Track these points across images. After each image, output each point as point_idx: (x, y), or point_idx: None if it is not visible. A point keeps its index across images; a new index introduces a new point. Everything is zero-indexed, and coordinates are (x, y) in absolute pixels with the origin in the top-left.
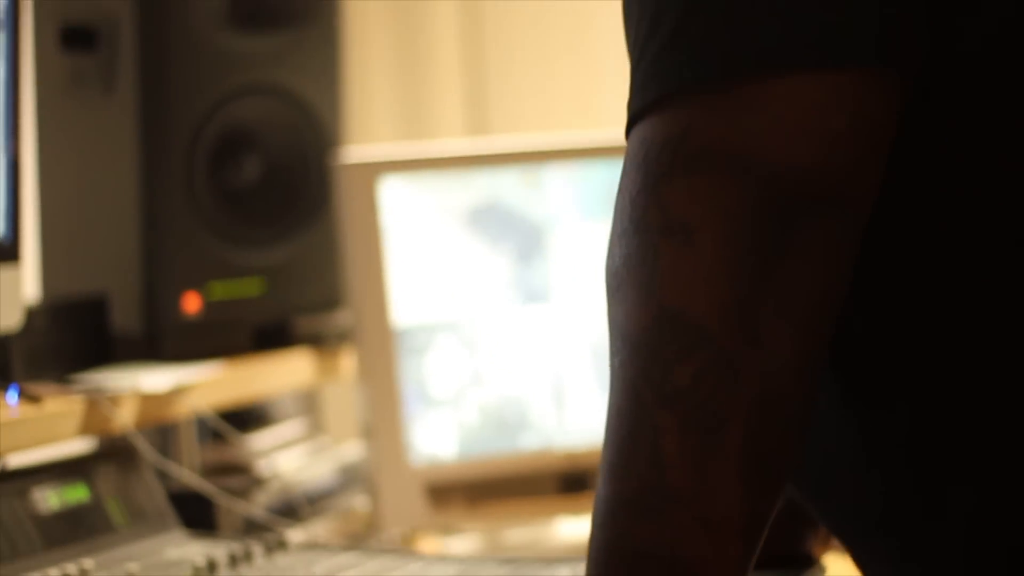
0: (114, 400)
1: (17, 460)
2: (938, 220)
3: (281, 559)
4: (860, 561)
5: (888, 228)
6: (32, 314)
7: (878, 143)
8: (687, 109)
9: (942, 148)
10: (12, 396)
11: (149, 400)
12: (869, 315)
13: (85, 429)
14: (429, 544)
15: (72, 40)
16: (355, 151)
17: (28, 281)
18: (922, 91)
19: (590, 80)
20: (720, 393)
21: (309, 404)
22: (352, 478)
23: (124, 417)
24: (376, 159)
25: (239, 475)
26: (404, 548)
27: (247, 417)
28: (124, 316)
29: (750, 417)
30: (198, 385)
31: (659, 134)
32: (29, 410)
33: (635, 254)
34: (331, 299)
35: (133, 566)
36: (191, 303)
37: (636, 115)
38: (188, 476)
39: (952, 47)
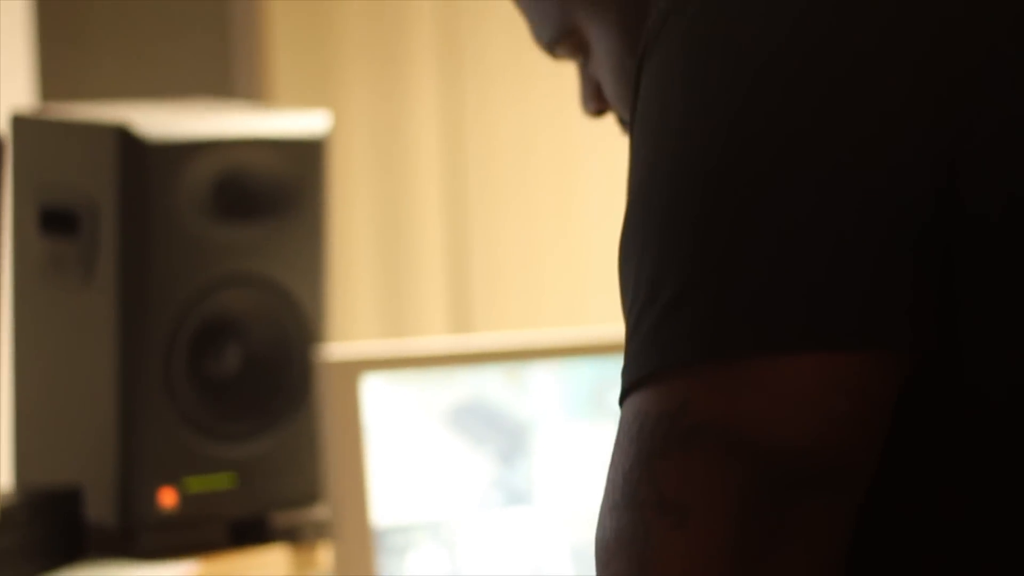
0: None
1: None
2: (941, 484)
3: None
4: None
5: (888, 494)
6: (5, 508)
7: (879, 421)
8: (684, 384)
9: (947, 406)
10: None
11: None
12: None
13: None
14: None
15: (52, 224)
16: (337, 347)
17: (2, 471)
18: (930, 359)
19: (574, 278)
20: None
21: None
22: None
23: None
24: (358, 356)
25: None
26: None
27: None
28: (99, 509)
29: None
30: None
31: (654, 408)
32: None
33: (626, 529)
34: (309, 494)
35: None
36: (167, 497)
37: (631, 386)
38: None
39: (958, 323)
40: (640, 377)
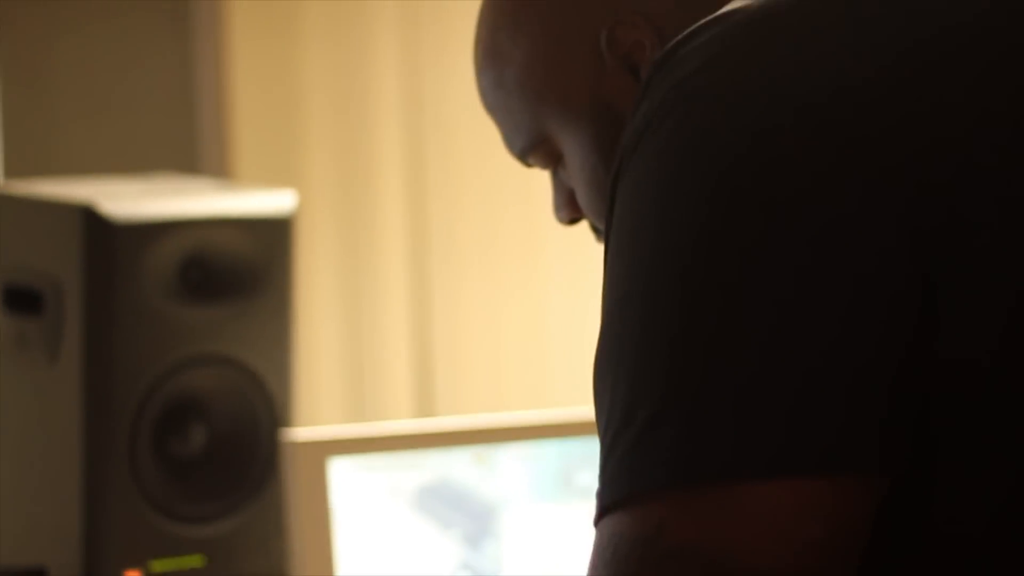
0: None
1: None
2: None
3: None
4: None
5: None
6: None
7: (853, 546)
8: (659, 508)
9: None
10: None
11: None
12: None
13: None
14: None
15: (16, 302)
16: (305, 429)
17: None
18: (904, 483)
19: (539, 361)
20: None
21: None
22: None
23: None
24: (325, 437)
25: None
26: None
27: None
28: None
29: None
30: None
31: (629, 531)
32: None
33: None
34: (275, 575)
35: None
36: None
37: (606, 508)
38: None
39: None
40: (615, 500)
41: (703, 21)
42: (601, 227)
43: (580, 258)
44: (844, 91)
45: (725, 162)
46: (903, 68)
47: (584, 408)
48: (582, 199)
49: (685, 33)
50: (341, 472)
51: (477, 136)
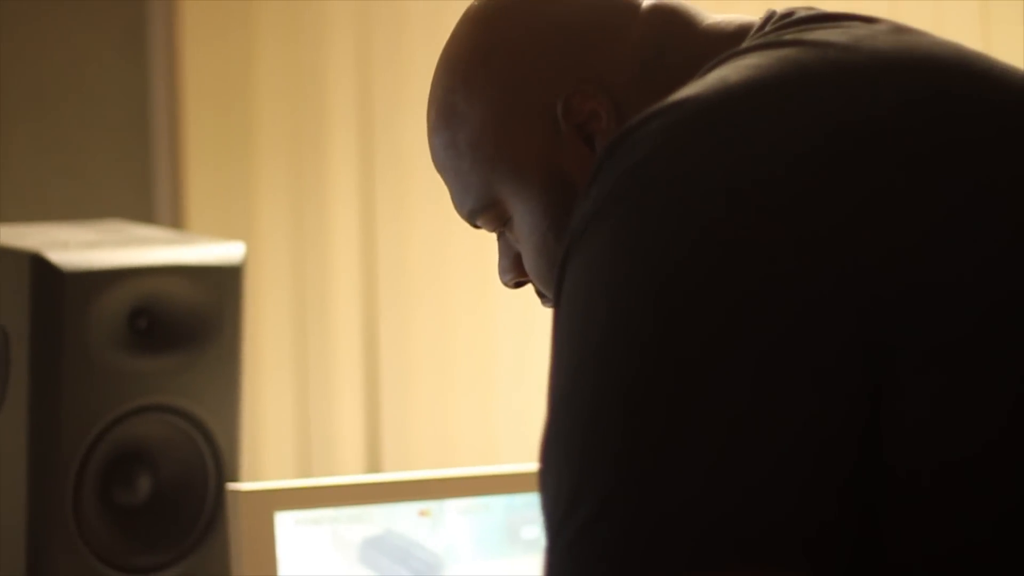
0: None
1: None
2: None
3: None
4: None
5: None
6: None
7: None
8: None
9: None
10: None
11: None
12: None
13: None
14: None
15: None
16: (251, 483)
17: None
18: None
19: (486, 417)
20: None
21: None
22: None
23: None
24: (271, 488)
25: None
26: None
27: None
28: None
29: None
30: None
31: None
32: None
33: None
34: None
35: None
36: None
37: None
38: None
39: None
40: None
41: (656, 107)
42: (546, 292)
43: (529, 316)
44: (791, 183)
45: (673, 255)
46: (851, 160)
47: (530, 464)
48: (529, 264)
49: (638, 118)
50: (287, 524)
51: (431, 191)
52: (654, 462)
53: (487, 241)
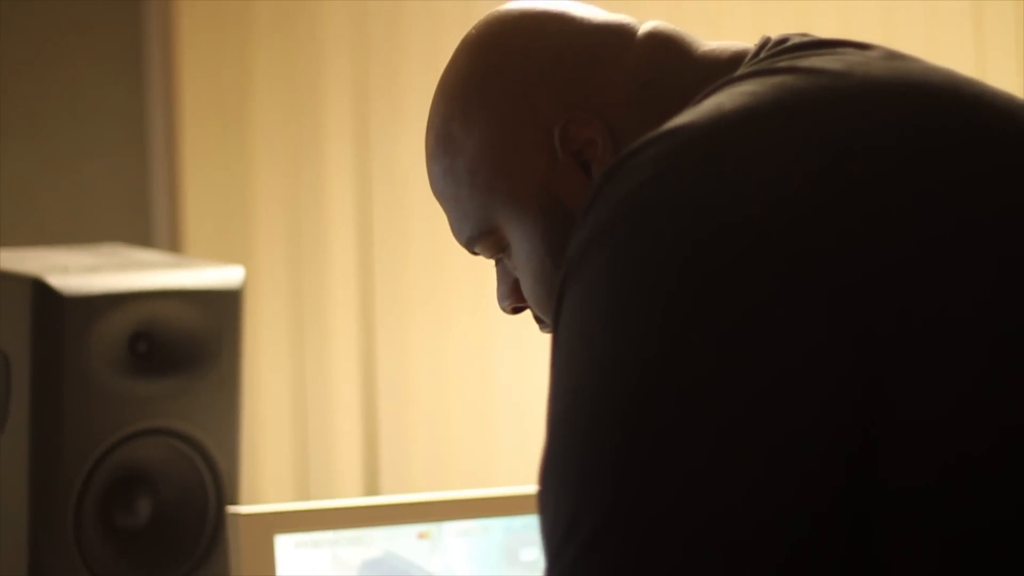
0: None
1: None
2: None
3: None
4: None
5: None
6: None
7: None
8: None
9: None
10: None
11: None
12: None
13: None
14: None
15: None
16: (251, 506)
17: None
18: None
19: (485, 440)
20: None
21: None
22: None
23: None
24: (271, 511)
25: None
26: None
27: None
28: None
29: None
30: None
31: None
32: None
33: None
34: None
35: None
36: None
37: None
38: None
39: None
40: None
41: (652, 135)
42: (544, 317)
43: (527, 339)
44: (787, 210)
45: (669, 282)
46: (844, 187)
47: (529, 487)
48: (527, 290)
49: (634, 145)
50: (287, 547)
51: (428, 215)
52: (650, 486)
53: (484, 263)
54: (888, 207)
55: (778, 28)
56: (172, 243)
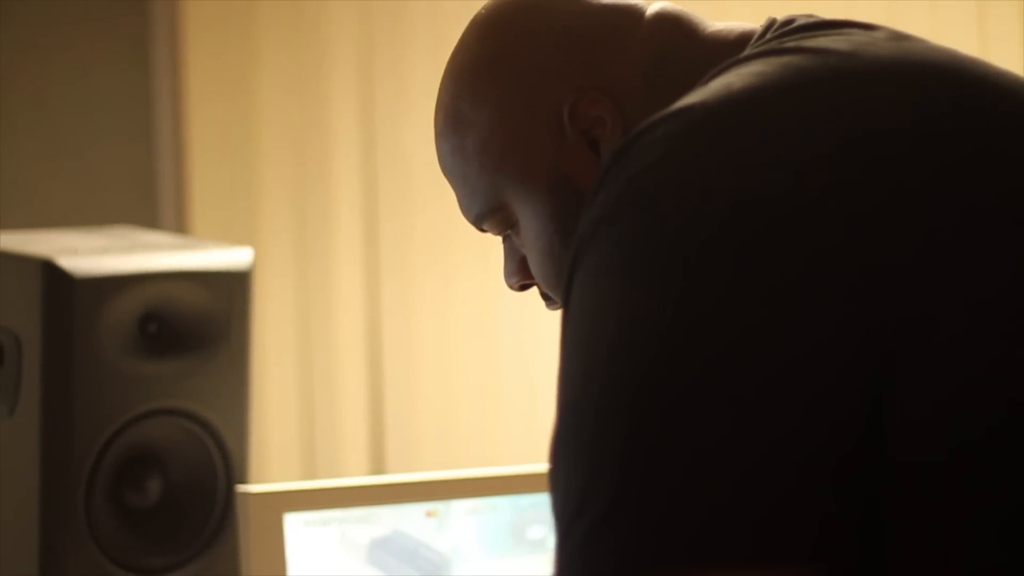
0: None
1: None
2: None
3: None
4: None
5: None
6: None
7: None
8: None
9: None
10: None
11: None
12: None
13: None
14: None
15: None
16: (260, 485)
17: None
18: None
19: (491, 418)
20: None
21: None
22: None
23: None
24: (280, 490)
25: None
26: None
27: None
28: None
29: None
30: None
31: None
32: None
33: None
34: None
35: None
36: None
37: None
38: None
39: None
40: None
41: (662, 114)
42: (552, 295)
43: (532, 317)
44: (798, 191)
45: (680, 261)
46: (853, 167)
47: (535, 465)
48: (535, 267)
49: (644, 125)
50: (296, 525)
51: (433, 196)
52: (661, 463)
53: (490, 242)
54: (899, 191)
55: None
56: (178, 226)
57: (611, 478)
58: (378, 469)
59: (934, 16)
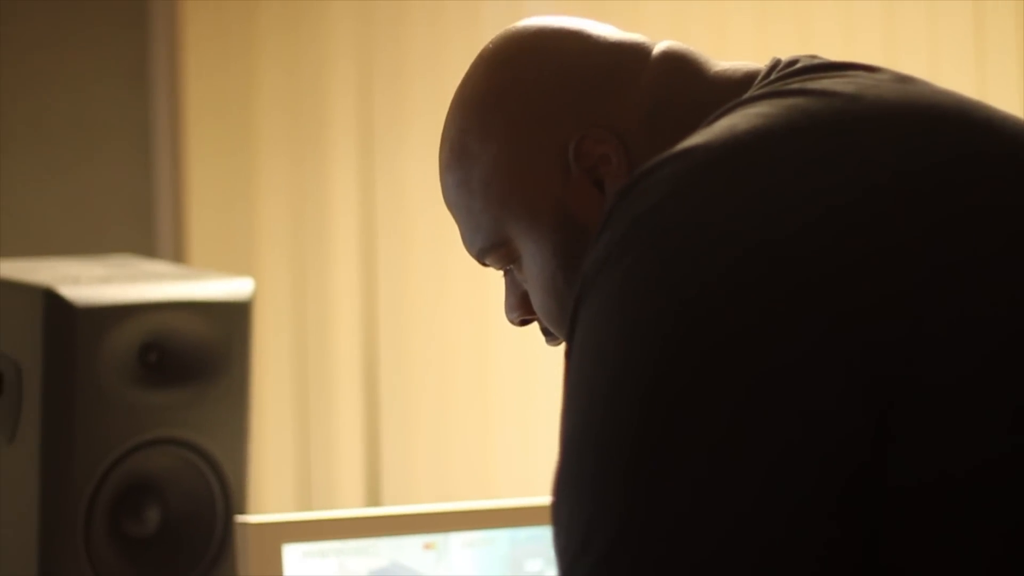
0: None
1: None
2: None
3: None
4: None
5: None
6: None
7: None
8: None
9: None
10: None
11: None
12: None
13: None
14: None
15: None
16: (259, 515)
17: None
18: None
19: (486, 452)
20: None
21: None
22: None
23: None
24: (279, 520)
25: None
26: None
27: None
28: None
29: None
30: None
31: None
32: None
33: None
34: None
35: None
36: None
37: None
38: None
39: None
40: None
41: (667, 154)
42: (553, 331)
43: (529, 350)
44: (804, 235)
45: (682, 301)
46: (857, 212)
47: (533, 498)
48: (537, 303)
49: (649, 164)
50: (294, 556)
51: (432, 227)
52: (665, 500)
53: (488, 274)
54: (903, 235)
55: (779, 29)
56: (176, 253)
57: (613, 516)
58: (373, 501)
59: (930, 20)
